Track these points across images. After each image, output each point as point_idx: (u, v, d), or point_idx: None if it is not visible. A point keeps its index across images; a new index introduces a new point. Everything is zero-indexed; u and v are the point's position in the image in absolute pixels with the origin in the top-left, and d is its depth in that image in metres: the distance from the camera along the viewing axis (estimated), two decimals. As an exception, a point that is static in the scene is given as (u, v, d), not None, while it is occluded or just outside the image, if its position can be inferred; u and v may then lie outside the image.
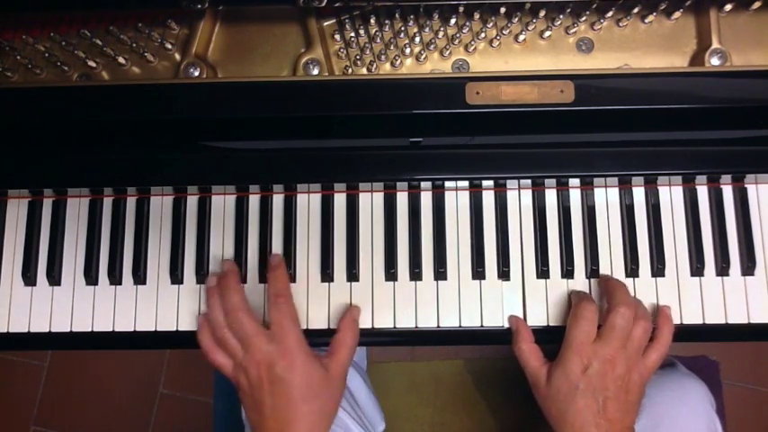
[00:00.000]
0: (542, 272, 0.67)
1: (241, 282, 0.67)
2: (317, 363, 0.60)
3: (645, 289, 0.66)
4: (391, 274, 0.67)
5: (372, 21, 0.67)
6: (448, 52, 0.67)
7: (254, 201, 0.69)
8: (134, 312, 0.68)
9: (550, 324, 0.66)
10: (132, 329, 0.67)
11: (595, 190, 0.69)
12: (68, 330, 0.68)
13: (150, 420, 1.37)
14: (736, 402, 1.30)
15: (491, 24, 0.67)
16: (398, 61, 0.67)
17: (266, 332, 0.60)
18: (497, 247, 0.68)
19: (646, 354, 0.61)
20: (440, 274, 0.67)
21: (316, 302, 0.67)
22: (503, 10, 0.65)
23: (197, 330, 0.64)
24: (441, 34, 0.67)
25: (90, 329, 0.68)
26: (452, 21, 0.67)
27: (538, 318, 0.66)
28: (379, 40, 0.67)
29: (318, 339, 0.65)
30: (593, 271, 0.67)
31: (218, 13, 0.68)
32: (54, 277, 0.68)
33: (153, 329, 0.67)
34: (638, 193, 0.68)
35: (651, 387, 0.73)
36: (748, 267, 0.66)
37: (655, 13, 0.66)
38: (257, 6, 0.68)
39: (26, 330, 0.68)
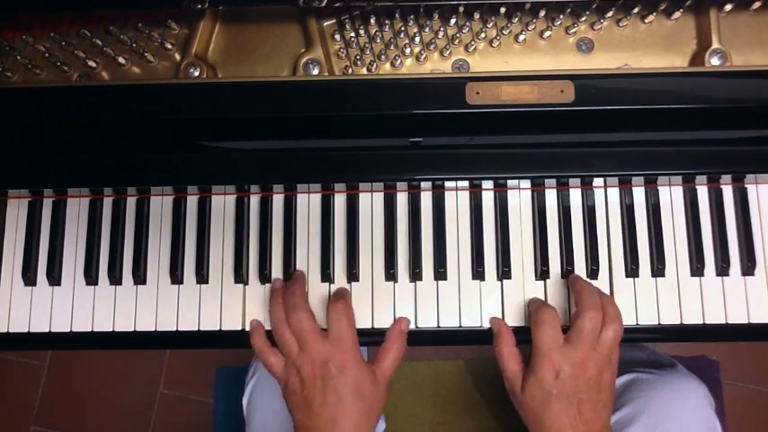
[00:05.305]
0: (542, 272, 0.67)
1: (242, 282, 0.68)
2: (367, 367, 0.63)
3: (645, 289, 0.66)
4: (391, 275, 0.67)
5: (372, 21, 0.67)
6: (448, 52, 0.67)
7: (254, 201, 0.69)
8: (134, 312, 0.68)
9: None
10: (132, 329, 0.67)
11: (595, 190, 0.69)
12: (68, 330, 0.68)
13: (150, 420, 1.37)
14: (736, 402, 1.30)
15: (491, 24, 0.67)
16: (398, 61, 0.67)
17: (323, 333, 0.63)
18: (497, 248, 0.68)
19: (599, 337, 0.60)
20: (440, 274, 0.67)
21: (316, 302, 0.67)
22: (503, 10, 0.65)
23: (250, 333, 0.66)
24: (441, 34, 0.67)
25: (90, 329, 0.68)
26: (452, 21, 0.67)
27: (538, 318, 0.66)
28: (379, 40, 0.67)
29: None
30: (593, 271, 0.67)
31: (218, 13, 0.68)
32: (54, 277, 0.68)
33: (153, 329, 0.67)
34: (638, 193, 0.68)
35: (651, 388, 0.74)
36: (748, 267, 0.66)
37: (655, 13, 0.66)
38: (257, 6, 0.68)
39: (26, 330, 0.68)
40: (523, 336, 0.64)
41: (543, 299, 0.67)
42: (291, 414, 0.63)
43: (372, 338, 0.67)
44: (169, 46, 0.67)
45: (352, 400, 0.60)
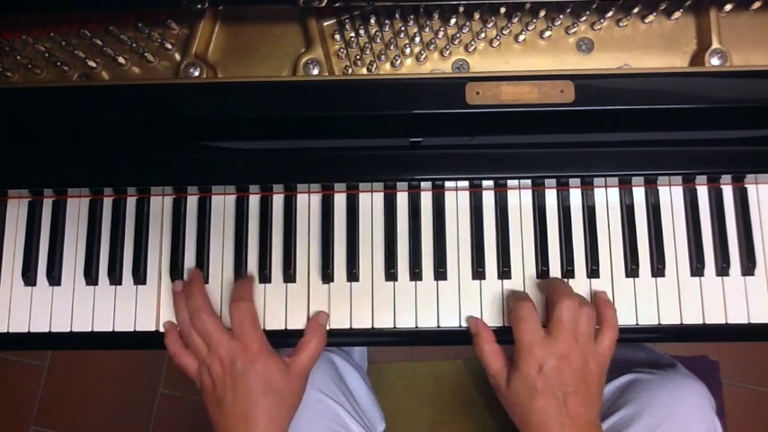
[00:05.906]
0: (542, 272, 0.67)
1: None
2: (277, 359, 0.63)
3: (645, 289, 0.66)
4: (391, 274, 0.67)
5: (372, 21, 0.67)
6: (448, 52, 0.67)
7: (254, 201, 0.69)
8: (134, 312, 0.68)
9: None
10: (132, 329, 0.68)
11: (595, 190, 0.69)
12: (68, 330, 0.68)
13: (150, 420, 1.37)
14: (736, 402, 1.30)
15: (491, 24, 0.67)
16: (398, 61, 0.67)
17: (228, 331, 0.63)
18: (497, 247, 0.68)
19: (598, 340, 0.61)
20: (440, 274, 0.67)
21: (316, 303, 0.67)
22: (503, 10, 0.65)
23: (164, 335, 0.66)
24: (441, 34, 0.67)
25: (90, 329, 0.68)
26: (452, 21, 0.67)
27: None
28: (379, 40, 0.67)
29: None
30: (593, 271, 0.67)
31: (218, 13, 0.68)
32: (54, 277, 0.68)
33: (153, 329, 0.67)
34: (638, 193, 0.68)
35: (651, 388, 0.74)
36: (748, 267, 0.66)
37: (655, 13, 0.66)
38: (257, 6, 0.68)
39: (26, 330, 0.68)
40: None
41: (542, 298, 0.67)
42: (208, 414, 0.63)
43: (373, 338, 0.67)
44: (169, 46, 0.67)
45: (261, 394, 0.60)
